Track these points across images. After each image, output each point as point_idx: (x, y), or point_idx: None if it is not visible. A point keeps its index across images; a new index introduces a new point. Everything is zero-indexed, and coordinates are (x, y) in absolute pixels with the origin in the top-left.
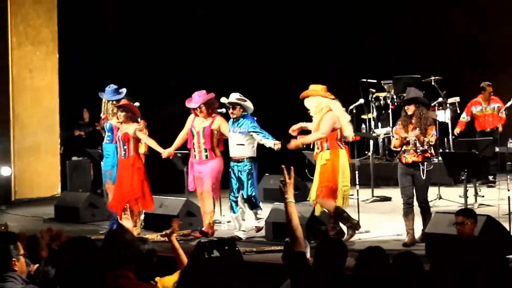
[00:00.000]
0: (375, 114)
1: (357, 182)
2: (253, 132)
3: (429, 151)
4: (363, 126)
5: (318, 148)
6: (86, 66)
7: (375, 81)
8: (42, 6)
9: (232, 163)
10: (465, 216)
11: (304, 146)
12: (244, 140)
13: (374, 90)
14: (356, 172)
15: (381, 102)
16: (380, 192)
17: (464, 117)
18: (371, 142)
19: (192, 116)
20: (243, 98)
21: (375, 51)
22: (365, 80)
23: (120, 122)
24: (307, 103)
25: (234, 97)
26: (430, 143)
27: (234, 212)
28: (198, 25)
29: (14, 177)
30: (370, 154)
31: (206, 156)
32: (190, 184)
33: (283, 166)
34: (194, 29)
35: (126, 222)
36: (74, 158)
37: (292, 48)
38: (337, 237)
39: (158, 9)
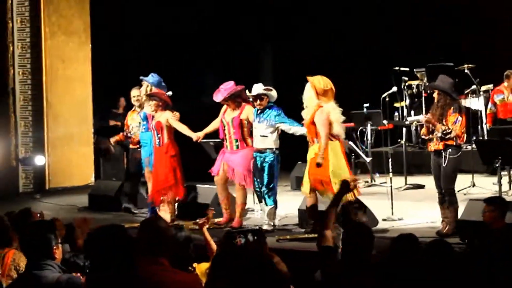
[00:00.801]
0: (407, 102)
1: (390, 170)
2: (280, 123)
3: (453, 139)
4: (396, 114)
5: (310, 143)
6: (118, 56)
7: (408, 69)
8: None
9: (255, 154)
10: (487, 204)
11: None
12: (268, 132)
13: (406, 78)
14: (389, 160)
15: (414, 90)
16: (413, 179)
17: (491, 108)
18: (404, 130)
19: (225, 106)
20: (268, 87)
21: (407, 38)
22: (397, 68)
23: (153, 111)
24: (307, 87)
25: (258, 88)
26: (447, 130)
27: (260, 202)
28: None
29: (48, 166)
30: (403, 142)
31: (237, 146)
32: (214, 169)
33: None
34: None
35: (164, 214)
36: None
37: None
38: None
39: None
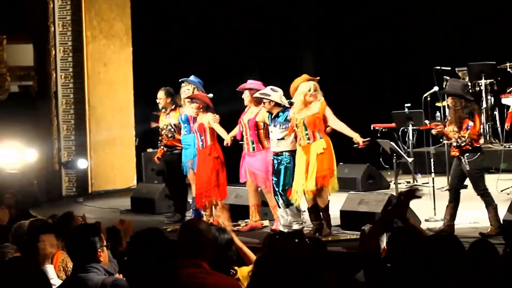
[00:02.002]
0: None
1: (433, 170)
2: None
3: (468, 144)
4: (438, 113)
5: (309, 139)
6: (159, 59)
7: (449, 68)
8: (115, 0)
9: (273, 157)
10: None
11: (379, 134)
12: (283, 134)
13: (448, 78)
14: (432, 160)
15: None
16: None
17: None
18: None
19: (246, 109)
20: (269, 91)
21: (449, 37)
22: (439, 67)
23: (196, 114)
24: (307, 85)
25: (262, 91)
26: (462, 138)
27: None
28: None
29: (90, 170)
30: (445, 142)
31: (253, 149)
32: (241, 176)
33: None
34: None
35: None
36: (149, 150)
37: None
38: (316, 232)
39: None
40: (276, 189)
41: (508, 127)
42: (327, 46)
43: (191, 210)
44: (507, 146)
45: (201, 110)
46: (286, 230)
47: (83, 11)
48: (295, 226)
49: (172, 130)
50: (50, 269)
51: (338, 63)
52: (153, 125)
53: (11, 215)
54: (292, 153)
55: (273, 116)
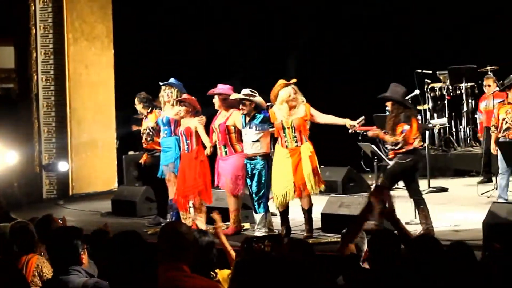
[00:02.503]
0: (430, 105)
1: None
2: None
3: (404, 147)
4: (419, 117)
5: (297, 142)
6: (140, 61)
7: (431, 71)
8: (97, 2)
9: (246, 161)
10: None
11: (360, 137)
12: (259, 136)
13: (429, 81)
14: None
15: (437, 92)
16: (436, 183)
17: (480, 117)
18: (427, 133)
19: (217, 112)
20: (252, 93)
21: (431, 40)
22: (420, 70)
23: (181, 117)
24: (289, 89)
25: (243, 92)
26: (395, 141)
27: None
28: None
29: (71, 172)
30: (426, 145)
31: (226, 153)
32: (216, 180)
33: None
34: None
35: (200, 224)
36: (131, 153)
37: (344, 38)
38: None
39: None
40: (251, 192)
41: (482, 138)
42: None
43: (171, 213)
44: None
45: (190, 113)
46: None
47: (65, 13)
48: (256, 233)
49: (151, 133)
50: None
51: (319, 64)
52: (134, 128)
53: None
54: (266, 156)
55: (249, 118)
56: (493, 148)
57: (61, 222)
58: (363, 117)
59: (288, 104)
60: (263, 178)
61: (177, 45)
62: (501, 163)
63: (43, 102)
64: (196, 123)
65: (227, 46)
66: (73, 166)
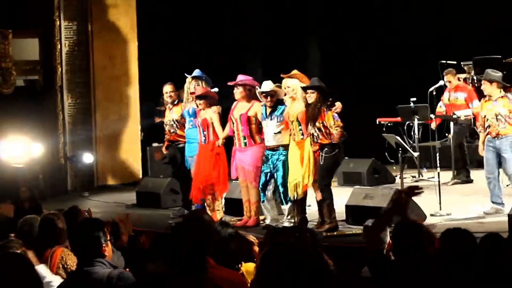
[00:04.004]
0: None
1: (438, 165)
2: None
3: (327, 138)
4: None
5: (303, 135)
6: (165, 53)
7: (455, 62)
8: None
9: (267, 151)
10: None
11: (384, 128)
12: (280, 128)
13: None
14: (437, 154)
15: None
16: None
17: (441, 106)
18: (452, 124)
19: (234, 103)
20: (278, 84)
21: (455, 31)
22: (444, 61)
23: (202, 109)
24: (290, 82)
25: (268, 85)
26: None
27: (262, 201)
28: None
29: (96, 164)
30: (450, 136)
31: (245, 144)
32: (232, 172)
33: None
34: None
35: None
36: (155, 144)
37: (370, 29)
38: (301, 225)
39: None
40: (270, 185)
41: (435, 127)
42: (333, 39)
43: (196, 204)
44: None
45: (209, 105)
46: (274, 224)
47: (89, 5)
48: (286, 224)
49: (174, 125)
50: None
51: (344, 57)
52: (157, 120)
53: (25, 208)
54: (287, 147)
55: (270, 110)
56: (481, 149)
57: (86, 214)
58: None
59: (290, 97)
60: (287, 169)
61: (201, 36)
62: (486, 166)
63: (68, 94)
64: (211, 113)
65: (250, 37)
66: (98, 158)
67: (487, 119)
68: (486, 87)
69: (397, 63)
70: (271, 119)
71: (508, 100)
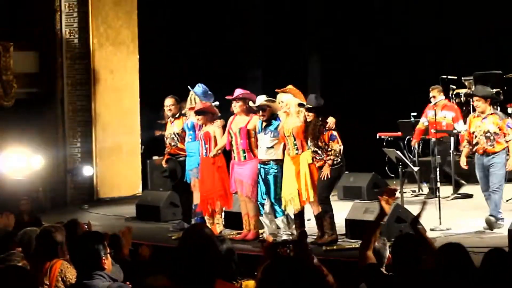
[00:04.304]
0: None
1: (438, 180)
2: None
3: (332, 158)
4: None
5: (297, 150)
6: (166, 66)
7: (456, 77)
8: (122, 7)
9: (259, 165)
10: None
11: (384, 143)
12: (273, 143)
13: (454, 87)
14: (437, 169)
15: (462, 98)
16: (461, 189)
17: (424, 123)
18: (452, 139)
19: (232, 117)
20: (271, 99)
21: (456, 46)
22: (445, 76)
23: (203, 124)
24: (284, 97)
25: (262, 99)
26: (335, 150)
27: (261, 215)
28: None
29: (96, 177)
30: (451, 151)
31: (245, 157)
32: (231, 186)
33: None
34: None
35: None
36: (155, 158)
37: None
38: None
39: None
40: (264, 198)
41: (415, 144)
42: (333, 42)
43: (195, 218)
44: None
45: (208, 120)
46: (272, 239)
47: (90, 18)
48: (284, 237)
49: (175, 138)
50: None
51: (345, 71)
52: (157, 133)
53: (24, 220)
54: (280, 162)
55: (265, 124)
56: (463, 161)
57: (86, 227)
58: None
59: (284, 111)
60: (279, 183)
61: (202, 46)
62: (480, 184)
63: (68, 107)
64: (215, 127)
65: (250, 40)
66: (97, 170)
67: (476, 136)
68: (479, 103)
69: (398, 77)
70: (265, 134)
71: (498, 117)
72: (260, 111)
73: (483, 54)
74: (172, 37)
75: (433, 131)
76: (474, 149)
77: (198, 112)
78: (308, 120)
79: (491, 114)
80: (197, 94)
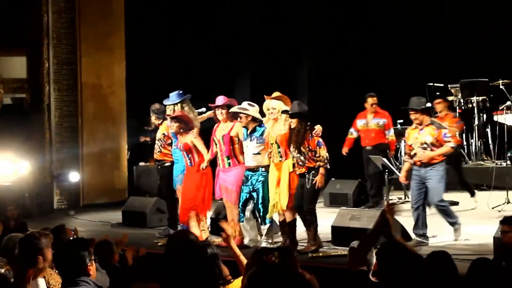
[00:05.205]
0: None
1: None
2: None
3: (313, 162)
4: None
5: (281, 157)
6: (152, 72)
7: (442, 85)
8: (110, 14)
9: (247, 172)
10: (508, 224)
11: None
12: (260, 149)
13: (441, 94)
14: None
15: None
16: (447, 196)
17: (352, 133)
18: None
19: (215, 125)
20: (246, 107)
21: (443, 53)
22: (432, 84)
23: (175, 132)
24: (275, 103)
25: (241, 105)
26: (323, 156)
27: (241, 221)
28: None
29: (82, 182)
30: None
31: (229, 164)
32: (216, 193)
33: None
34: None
35: (195, 229)
36: (141, 164)
37: (358, 51)
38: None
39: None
40: (249, 205)
41: (346, 151)
42: (319, 62)
43: (181, 224)
44: (499, 163)
45: (182, 129)
46: (252, 245)
47: (78, 24)
48: (264, 244)
49: (160, 144)
50: (41, 283)
51: (332, 79)
52: (142, 139)
53: (10, 226)
54: (268, 168)
55: (249, 131)
56: (402, 176)
57: (73, 232)
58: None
59: (270, 118)
60: (267, 190)
61: (190, 55)
62: (411, 196)
63: (55, 112)
64: (191, 138)
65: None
66: (84, 176)
67: (413, 148)
68: (416, 115)
69: (385, 85)
70: (250, 140)
71: (434, 128)
72: (238, 118)
73: (469, 62)
74: (160, 43)
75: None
76: (412, 161)
77: (173, 118)
78: (292, 126)
79: (427, 125)
80: (171, 102)
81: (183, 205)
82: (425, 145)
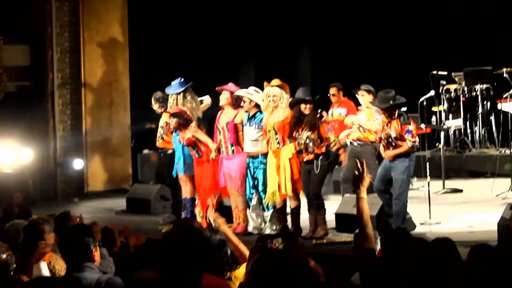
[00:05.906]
0: (445, 106)
1: (428, 174)
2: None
3: (322, 148)
4: (434, 118)
5: (279, 143)
6: (156, 60)
7: (446, 73)
8: (113, 2)
9: (247, 159)
10: None
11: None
12: (258, 135)
13: (444, 82)
14: (427, 164)
15: (452, 94)
16: (451, 184)
17: None
18: (442, 134)
19: (219, 112)
20: (251, 92)
21: (446, 41)
22: (435, 72)
23: (174, 128)
24: (276, 90)
25: (246, 90)
26: (328, 142)
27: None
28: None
29: (86, 170)
30: (441, 146)
31: (233, 151)
32: (220, 180)
33: (357, 160)
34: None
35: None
36: (146, 151)
37: (360, 39)
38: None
39: None
40: (253, 192)
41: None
42: (322, 49)
43: (185, 211)
44: (503, 151)
45: (181, 126)
46: (256, 232)
47: (81, 13)
48: (267, 231)
49: (161, 132)
50: (43, 266)
51: (334, 67)
52: (147, 126)
53: (14, 213)
54: (267, 155)
55: (249, 116)
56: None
57: (78, 220)
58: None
59: (270, 105)
60: (266, 176)
61: (192, 43)
62: (377, 179)
63: (59, 100)
64: (192, 132)
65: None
66: (88, 163)
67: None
68: (384, 112)
69: (388, 73)
70: (250, 125)
71: (398, 123)
72: (241, 102)
73: (473, 50)
74: (164, 32)
75: (422, 126)
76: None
77: (171, 115)
78: (306, 112)
79: (395, 119)
80: (174, 91)
81: (201, 197)
82: (390, 139)
